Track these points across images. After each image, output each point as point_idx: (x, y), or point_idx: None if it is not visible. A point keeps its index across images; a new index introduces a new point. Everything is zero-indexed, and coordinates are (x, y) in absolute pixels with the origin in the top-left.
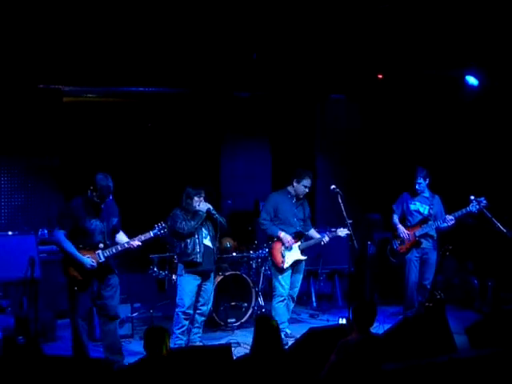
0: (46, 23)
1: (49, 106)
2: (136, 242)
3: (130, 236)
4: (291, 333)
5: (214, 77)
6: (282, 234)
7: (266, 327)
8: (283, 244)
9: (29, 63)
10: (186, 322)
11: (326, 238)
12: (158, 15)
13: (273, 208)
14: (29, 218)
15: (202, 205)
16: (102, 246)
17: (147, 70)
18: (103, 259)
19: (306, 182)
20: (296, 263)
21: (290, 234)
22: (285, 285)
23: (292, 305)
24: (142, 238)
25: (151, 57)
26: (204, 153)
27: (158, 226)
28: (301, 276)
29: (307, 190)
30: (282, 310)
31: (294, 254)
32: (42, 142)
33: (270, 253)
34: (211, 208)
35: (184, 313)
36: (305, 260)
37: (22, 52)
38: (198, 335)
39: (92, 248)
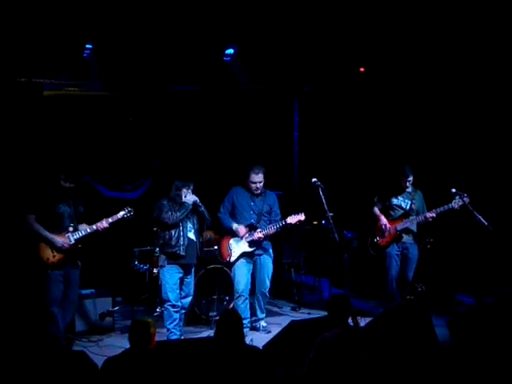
0: (27, 16)
1: (29, 100)
2: (104, 224)
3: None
4: (266, 326)
5: (196, 71)
6: (235, 226)
7: (228, 321)
8: (231, 238)
9: (9, 56)
10: (177, 315)
11: (258, 234)
12: (137, 7)
13: (230, 202)
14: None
15: (188, 196)
16: (71, 229)
17: (129, 63)
18: (73, 241)
19: (252, 177)
20: (249, 257)
21: (244, 226)
22: (240, 280)
23: (264, 300)
24: (110, 220)
25: (132, 50)
26: (186, 147)
27: (125, 210)
28: (267, 270)
29: (258, 186)
30: (240, 307)
31: (240, 247)
32: (22, 135)
33: (218, 249)
34: (198, 200)
35: (173, 306)
36: (256, 252)
37: (1, 45)
38: (180, 328)
39: (62, 231)
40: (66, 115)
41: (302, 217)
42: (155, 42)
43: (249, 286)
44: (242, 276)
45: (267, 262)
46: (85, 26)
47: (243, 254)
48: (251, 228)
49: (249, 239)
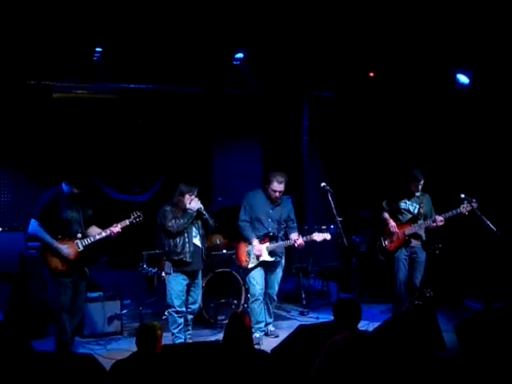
0: (36, 18)
1: (39, 102)
2: (113, 230)
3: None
4: (274, 330)
5: (205, 74)
6: (255, 242)
7: (237, 325)
8: (249, 244)
9: (19, 59)
10: (181, 320)
11: (300, 240)
12: (146, 11)
13: (249, 208)
14: (18, 214)
15: (193, 203)
16: (79, 235)
17: (138, 66)
18: (82, 248)
19: (273, 186)
20: (265, 264)
21: (261, 236)
22: (256, 284)
23: (272, 304)
24: (119, 226)
25: (141, 53)
26: (196, 150)
27: (134, 215)
28: (277, 276)
29: (277, 194)
30: (256, 310)
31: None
32: (31, 138)
33: (235, 251)
34: (202, 208)
35: (177, 312)
36: (275, 261)
37: (11, 48)
38: (188, 333)
39: (70, 238)
40: (74, 117)
41: (327, 236)
42: (164, 46)
43: (263, 290)
44: (257, 280)
45: (279, 268)
46: (94, 29)
47: (261, 263)
48: (271, 238)
49: (270, 249)
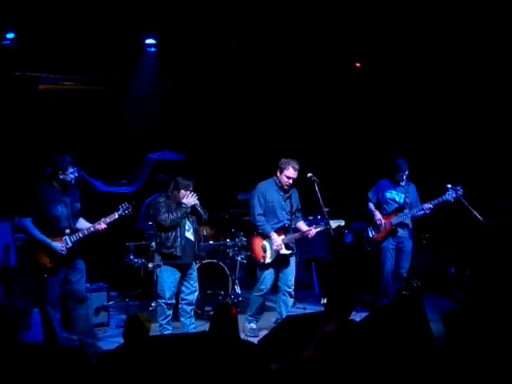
0: (22, 10)
1: (25, 94)
2: (102, 225)
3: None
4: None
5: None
6: (274, 236)
7: (223, 315)
8: (265, 238)
9: (5, 50)
10: (170, 312)
11: (313, 231)
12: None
13: (264, 199)
14: (4, 205)
15: (189, 199)
16: (68, 231)
17: (124, 58)
18: (71, 245)
19: (289, 172)
20: (280, 257)
21: (278, 229)
22: (268, 280)
23: (290, 300)
24: (108, 220)
25: (128, 45)
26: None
27: (123, 207)
28: (291, 267)
29: (291, 182)
30: (258, 302)
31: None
32: (17, 129)
33: (250, 247)
34: (198, 204)
35: (167, 303)
36: (290, 254)
37: None
38: (193, 326)
39: (59, 234)
40: (61, 109)
41: (342, 223)
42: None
43: (272, 286)
44: (269, 275)
45: (292, 261)
46: (85, 20)
47: (279, 256)
48: (285, 230)
49: (285, 241)
